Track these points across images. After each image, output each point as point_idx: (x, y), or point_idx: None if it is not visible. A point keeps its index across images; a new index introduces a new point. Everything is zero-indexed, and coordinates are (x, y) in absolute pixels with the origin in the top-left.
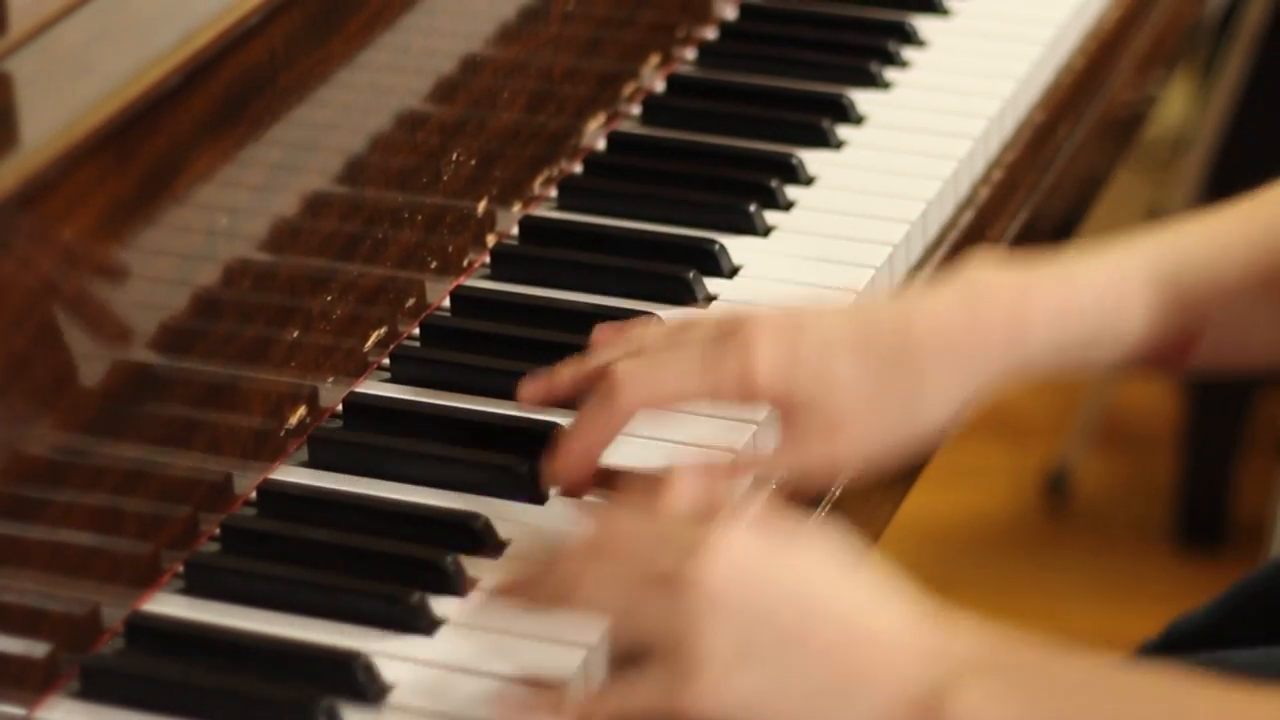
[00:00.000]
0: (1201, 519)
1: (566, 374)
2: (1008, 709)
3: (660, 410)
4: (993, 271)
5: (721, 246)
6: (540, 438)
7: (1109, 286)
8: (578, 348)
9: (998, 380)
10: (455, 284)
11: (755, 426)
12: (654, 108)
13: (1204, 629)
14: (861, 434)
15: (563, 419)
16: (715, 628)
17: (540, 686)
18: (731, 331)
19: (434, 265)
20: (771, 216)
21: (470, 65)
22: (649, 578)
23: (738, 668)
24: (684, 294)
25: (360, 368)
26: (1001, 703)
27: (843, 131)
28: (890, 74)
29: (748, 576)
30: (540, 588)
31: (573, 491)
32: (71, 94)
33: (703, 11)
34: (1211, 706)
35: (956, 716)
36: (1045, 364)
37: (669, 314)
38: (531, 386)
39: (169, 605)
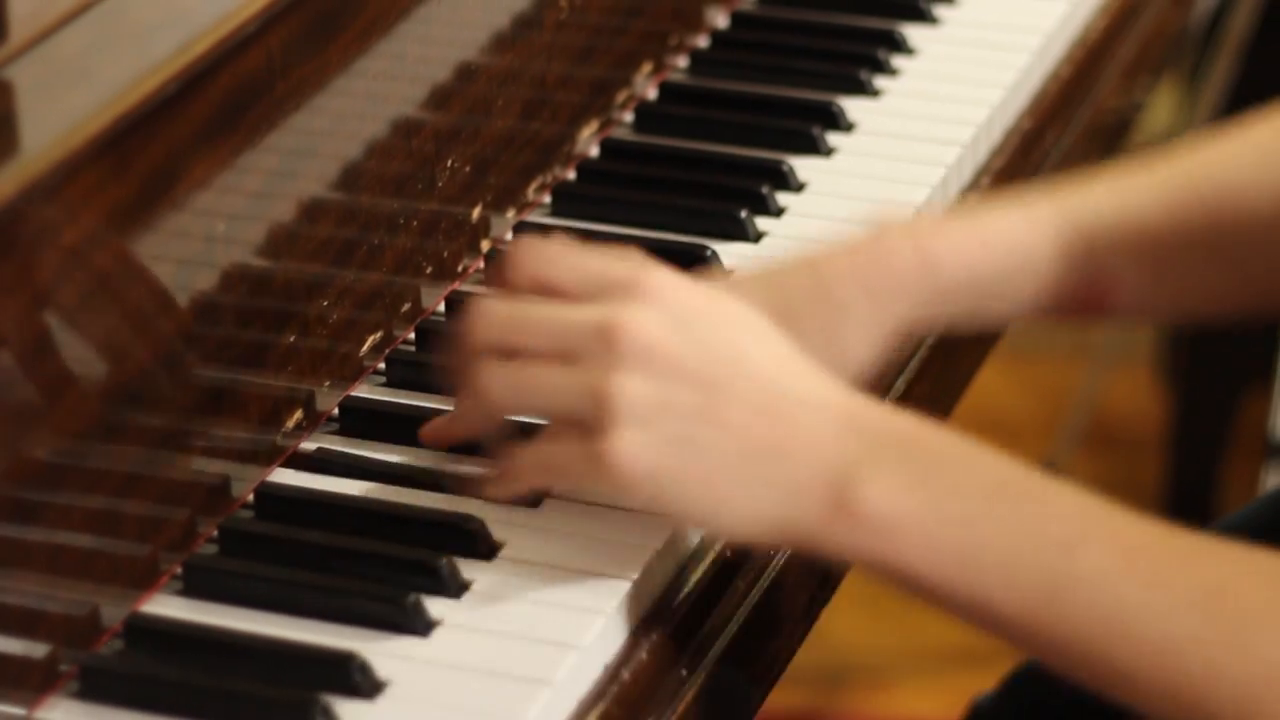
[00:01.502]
0: (1187, 520)
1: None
2: (915, 501)
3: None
4: (902, 220)
5: (713, 252)
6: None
7: (1016, 227)
8: None
9: (918, 307)
10: (450, 289)
11: None
12: (646, 115)
13: None
14: None
15: None
16: (633, 376)
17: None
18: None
19: (429, 270)
20: (763, 223)
21: (465, 73)
22: (572, 325)
23: (653, 424)
24: None
25: (356, 372)
26: (908, 494)
27: (833, 139)
28: (880, 82)
29: (673, 324)
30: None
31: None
32: (71, 101)
33: (694, 20)
34: (1109, 533)
35: (866, 499)
36: (960, 301)
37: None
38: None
39: (167, 606)
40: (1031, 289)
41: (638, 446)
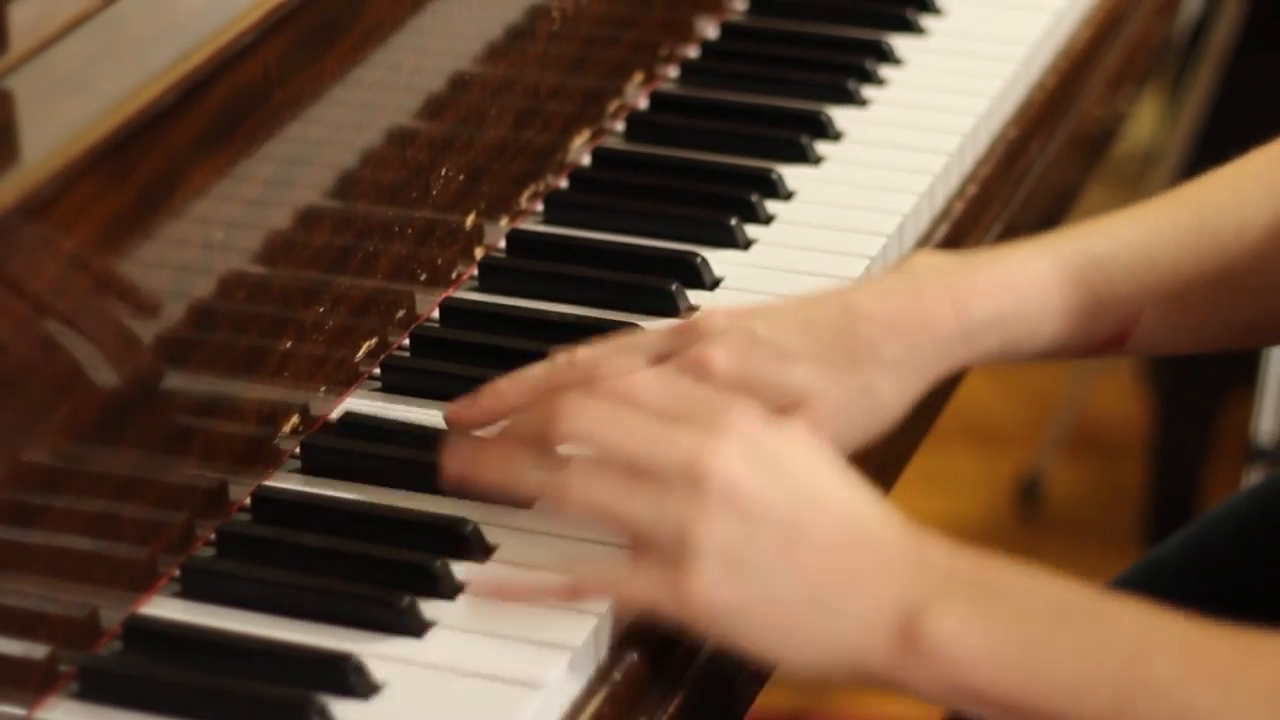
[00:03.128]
0: (1170, 523)
1: (506, 394)
2: (981, 631)
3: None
4: (934, 257)
5: (703, 259)
6: None
7: (1040, 268)
8: None
9: (949, 360)
10: (444, 296)
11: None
12: (638, 124)
13: None
14: (825, 413)
15: None
16: (719, 520)
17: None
18: (680, 331)
19: (424, 277)
20: (752, 230)
21: (459, 83)
22: (660, 454)
23: (734, 564)
24: (667, 305)
25: (352, 377)
26: (974, 625)
27: (821, 147)
28: (868, 91)
29: (756, 465)
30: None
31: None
32: (71, 111)
33: (685, 31)
34: (1174, 640)
35: (933, 634)
36: (985, 344)
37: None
38: (462, 412)
39: (166, 608)
40: (1054, 329)
41: (717, 585)
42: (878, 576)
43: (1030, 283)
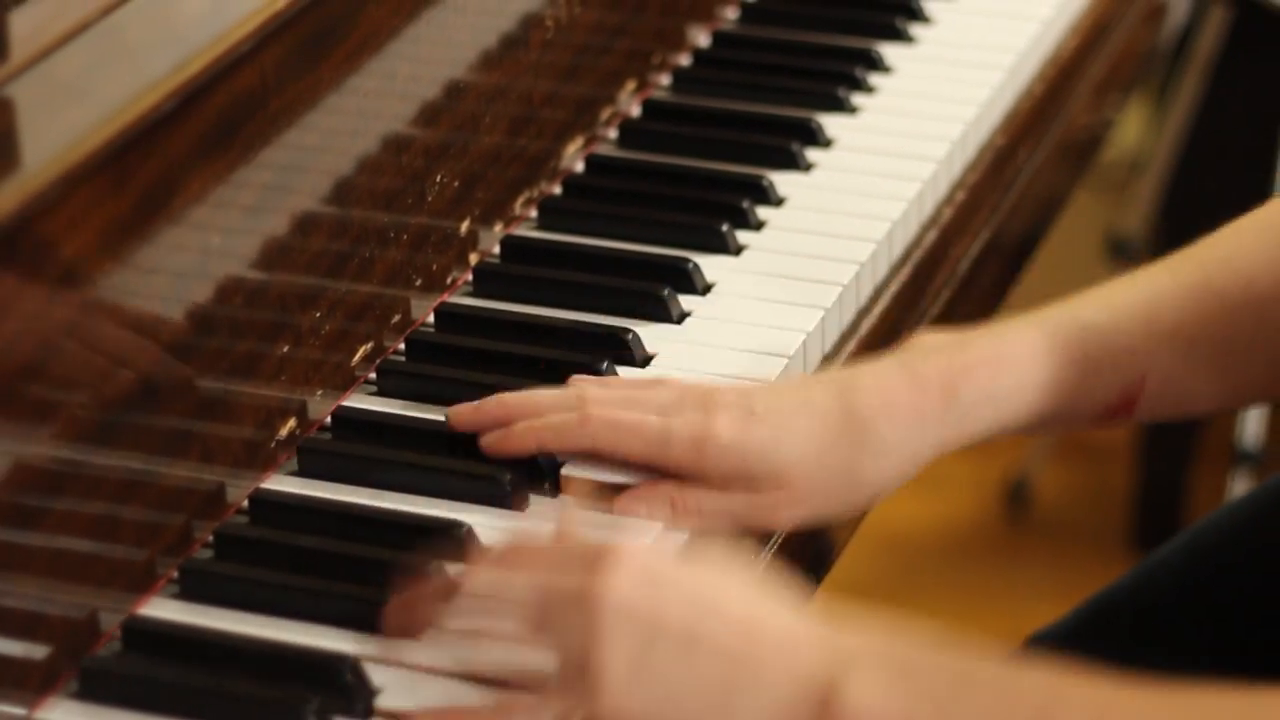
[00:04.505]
0: (1156, 526)
1: (512, 408)
2: (893, 699)
3: (610, 454)
4: (930, 337)
5: (695, 265)
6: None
7: (1034, 345)
8: (557, 362)
9: (936, 445)
10: (439, 301)
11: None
12: (630, 131)
13: (1063, 638)
14: (805, 492)
15: None
16: (615, 640)
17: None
18: (687, 397)
19: (419, 283)
20: (743, 236)
21: (453, 91)
22: (553, 595)
23: (638, 678)
24: (659, 311)
25: (348, 381)
26: (888, 693)
27: (812, 154)
28: (858, 99)
29: (645, 587)
30: (455, 618)
31: (503, 449)
32: (70, 119)
33: (677, 39)
34: (1080, 697)
35: (848, 705)
36: (979, 422)
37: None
38: (464, 414)
39: (164, 609)
40: (1048, 401)
41: (624, 699)
42: (782, 667)
43: (1020, 356)
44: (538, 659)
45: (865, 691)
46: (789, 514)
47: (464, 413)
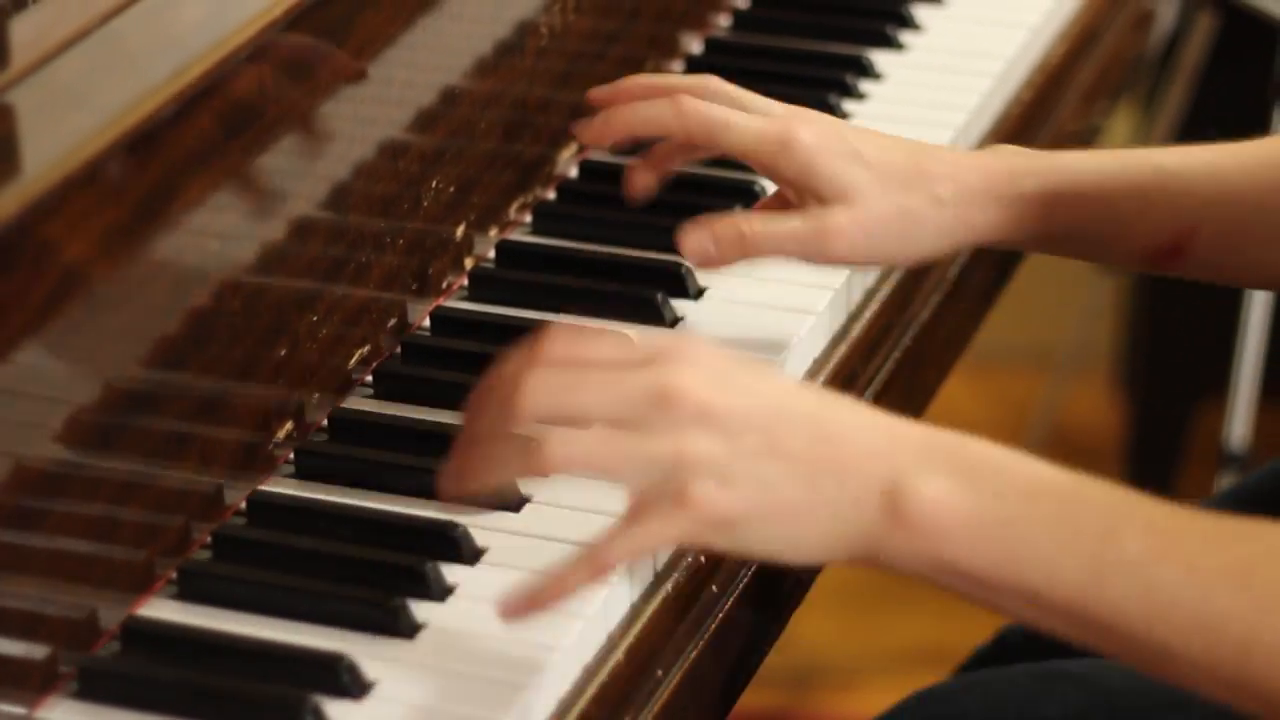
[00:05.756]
0: None
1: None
2: (960, 502)
3: (703, 144)
4: (1011, 147)
5: (688, 269)
6: None
7: (1102, 170)
8: None
9: (994, 222)
10: (435, 305)
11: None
12: None
13: (1035, 635)
14: (865, 218)
15: None
16: (704, 438)
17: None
18: (789, 109)
19: (415, 287)
20: None
21: (449, 97)
22: (629, 393)
23: (731, 475)
24: (653, 314)
25: (345, 384)
26: (955, 497)
27: None
28: (848, 105)
29: (725, 383)
30: (504, 447)
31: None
32: (70, 124)
33: (669, 46)
34: (1143, 520)
35: (916, 503)
36: (1035, 222)
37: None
38: (591, 129)
39: (163, 610)
40: (1102, 225)
41: (715, 498)
42: (859, 459)
43: (1086, 172)
44: (620, 474)
45: (930, 493)
46: (849, 241)
47: (602, 91)
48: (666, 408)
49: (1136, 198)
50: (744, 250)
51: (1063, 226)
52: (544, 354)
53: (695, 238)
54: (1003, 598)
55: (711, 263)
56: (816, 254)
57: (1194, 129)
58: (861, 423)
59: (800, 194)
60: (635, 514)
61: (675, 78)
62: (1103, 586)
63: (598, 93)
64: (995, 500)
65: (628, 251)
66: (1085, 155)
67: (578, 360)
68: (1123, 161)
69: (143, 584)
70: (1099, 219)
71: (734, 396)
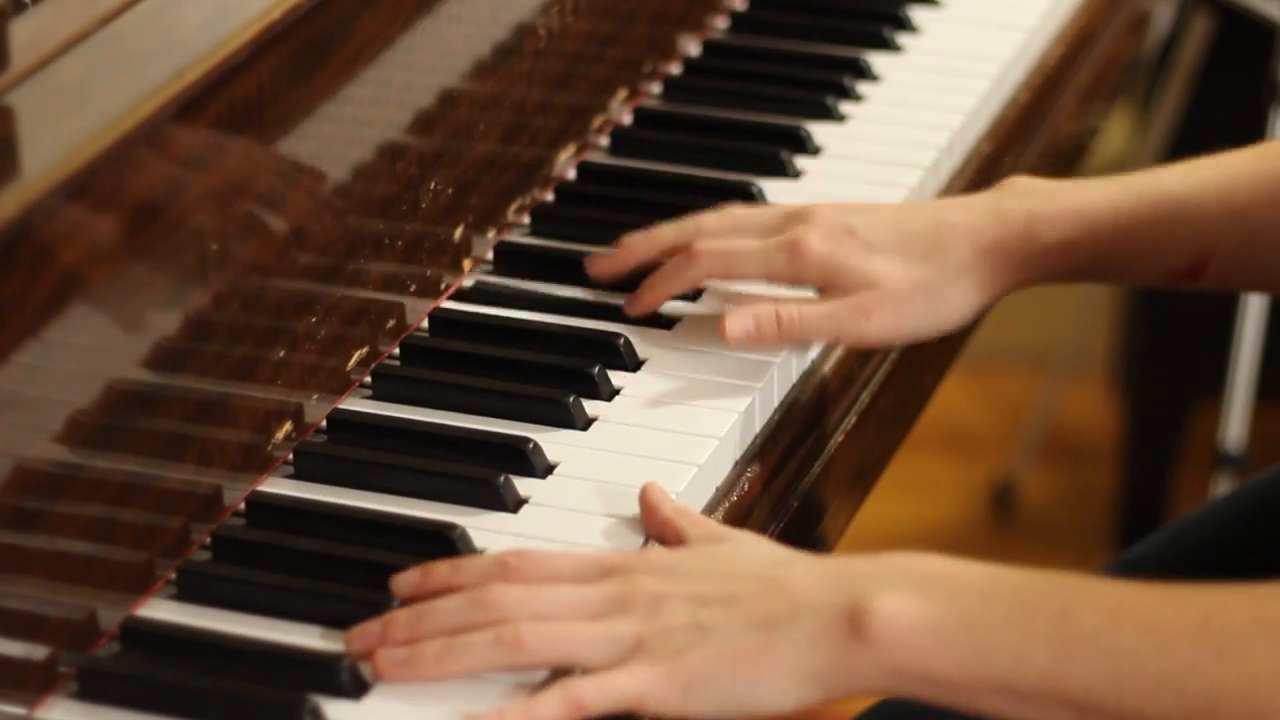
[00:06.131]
0: (1141, 528)
1: (637, 247)
2: (919, 611)
3: (722, 278)
4: (1024, 180)
5: None
6: (515, 453)
7: (1115, 201)
8: (551, 366)
9: (1016, 277)
10: (433, 306)
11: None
12: (621, 139)
13: None
14: (893, 298)
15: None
16: (667, 614)
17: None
18: (792, 214)
19: (413, 288)
20: None
21: (447, 99)
22: (607, 598)
23: (689, 636)
24: (649, 315)
25: (343, 385)
26: (913, 605)
27: (800, 162)
28: (845, 107)
29: (675, 572)
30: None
31: (636, 310)
32: (70, 126)
33: (668, 48)
34: (1097, 595)
35: (877, 618)
36: (1058, 267)
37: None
38: (600, 264)
39: (162, 610)
40: (1124, 259)
41: (689, 655)
42: (810, 594)
43: (1102, 211)
44: (585, 651)
45: (891, 607)
46: (880, 321)
47: (605, 265)
48: (626, 604)
49: (1154, 230)
50: (781, 335)
51: (1083, 266)
52: (513, 573)
53: (737, 322)
54: (974, 696)
55: (753, 345)
56: (852, 336)
57: (1190, 130)
58: (809, 569)
59: (824, 291)
60: (616, 670)
61: (668, 230)
62: (1067, 663)
63: (600, 268)
64: (952, 603)
65: None
66: (1097, 188)
67: (548, 576)
68: (1137, 193)
69: (142, 584)
70: (1118, 256)
71: (683, 584)
